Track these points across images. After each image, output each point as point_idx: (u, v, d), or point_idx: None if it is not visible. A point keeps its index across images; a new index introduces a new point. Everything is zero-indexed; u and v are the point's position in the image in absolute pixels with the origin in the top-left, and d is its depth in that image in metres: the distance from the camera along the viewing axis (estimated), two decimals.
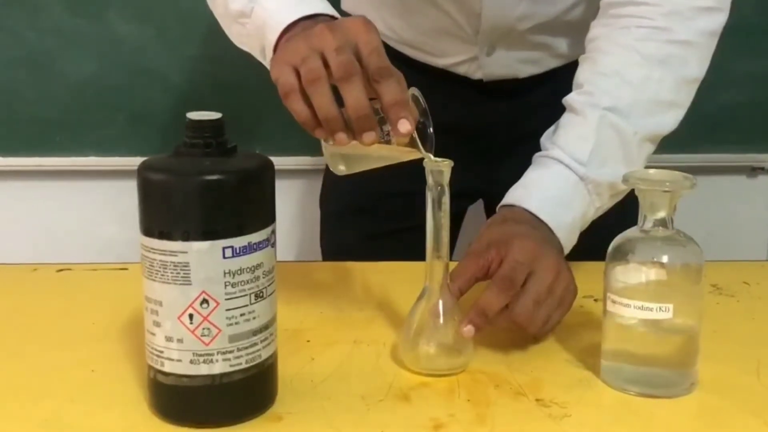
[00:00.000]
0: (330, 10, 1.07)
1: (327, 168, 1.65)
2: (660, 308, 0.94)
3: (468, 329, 1.00)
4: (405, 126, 0.95)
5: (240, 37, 1.17)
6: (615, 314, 0.97)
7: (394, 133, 0.96)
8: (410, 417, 0.93)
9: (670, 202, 0.96)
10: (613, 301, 0.97)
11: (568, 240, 1.14)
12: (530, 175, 1.18)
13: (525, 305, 1.03)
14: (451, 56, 1.43)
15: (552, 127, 1.22)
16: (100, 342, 1.10)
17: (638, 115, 1.18)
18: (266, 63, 1.09)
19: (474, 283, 1.06)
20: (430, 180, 0.99)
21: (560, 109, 1.22)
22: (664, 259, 0.96)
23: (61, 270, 1.35)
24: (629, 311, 0.96)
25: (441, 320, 1.01)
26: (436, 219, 0.99)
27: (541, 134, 1.22)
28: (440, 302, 1.01)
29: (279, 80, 0.97)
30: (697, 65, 1.22)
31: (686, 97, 1.23)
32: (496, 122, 1.47)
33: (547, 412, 0.94)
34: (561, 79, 1.30)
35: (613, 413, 0.95)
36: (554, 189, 1.16)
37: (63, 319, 1.18)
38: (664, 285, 0.95)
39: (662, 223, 0.96)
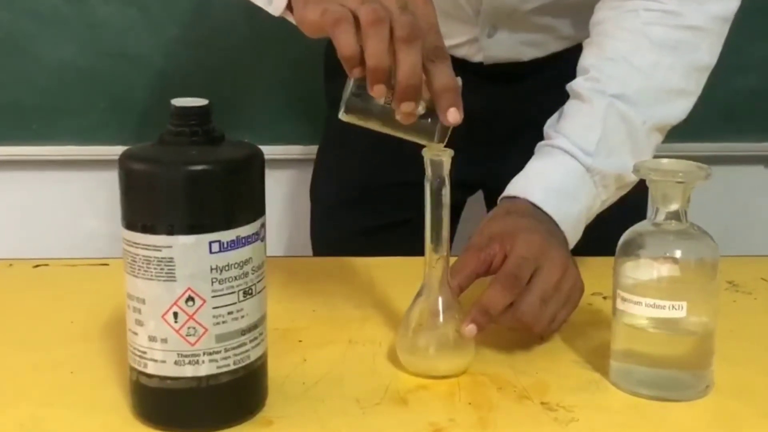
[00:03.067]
0: None
1: (318, 156, 1.65)
2: (673, 306, 0.94)
3: (470, 329, 1.00)
4: (454, 116, 0.94)
5: None
6: (625, 313, 0.97)
7: (442, 120, 0.95)
8: (408, 421, 0.93)
9: (683, 194, 0.96)
10: (623, 299, 0.97)
11: (574, 234, 1.14)
12: (534, 166, 1.18)
13: (531, 303, 1.02)
14: (450, 38, 1.42)
15: (555, 115, 1.22)
16: (79, 342, 1.10)
17: (647, 104, 1.19)
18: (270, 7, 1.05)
19: (475, 279, 1.06)
20: (429, 171, 0.98)
21: (564, 96, 1.22)
22: (677, 254, 0.96)
23: (38, 266, 1.35)
24: (640, 309, 0.96)
25: (441, 319, 1.01)
26: (435, 213, 0.99)
27: (543, 122, 1.22)
28: (440, 300, 1.01)
29: (329, 9, 0.92)
30: (708, 52, 1.22)
31: (696, 85, 1.23)
32: (497, 109, 1.47)
33: (553, 416, 0.94)
34: (565, 63, 1.31)
35: (623, 417, 0.95)
36: (559, 180, 1.16)
37: (40, 317, 1.18)
38: (677, 281, 0.95)
39: (675, 215, 0.96)
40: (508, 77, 1.45)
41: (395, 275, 1.25)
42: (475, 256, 1.07)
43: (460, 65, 1.42)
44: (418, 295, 1.02)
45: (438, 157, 0.98)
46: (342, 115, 0.99)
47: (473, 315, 1.00)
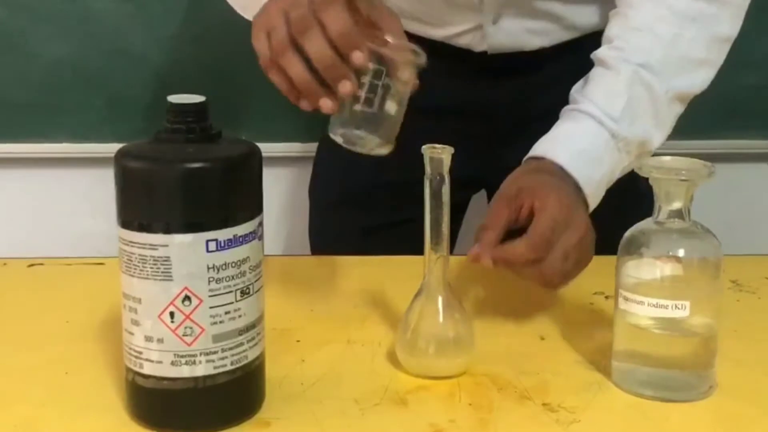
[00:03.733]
0: None
1: (317, 154, 1.64)
2: (676, 306, 0.94)
3: (476, 256, 1.06)
4: (345, 87, 0.98)
5: None
6: (627, 312, 0.97)
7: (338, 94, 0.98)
8: (407, 422, 0.93)
9: (686, 192, 0.96)
10: (626, 299, 0.97)
11: (595, 197, 1.17)
12: (560, 128, 1.22)
13: (554, 260, 1.07)
14: (454, 25, 1.42)
15: (581, 81, 1.26)
16: (74, 342, 1.10)
17: (669, 73, 1.22)
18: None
19: (507, 230, 1.09)
20: (428, 168, 0.98)
21: (569, 88, 1.23)
22: (680, 252, 0.96)
23: (33, 265, 1.35)
24: (643, 309, 0.96)
25: (440, 319, 1.01)
26: (434, 211, 0.99)
27: (549, 116, 1.23)
28: (439, 299, 1.01)
29: (257, 51, 1.01)
30: (729, 23, 1.26)
31: (718, 56, 1.27)
32: (501, 102, 1.47)
33: (554, 417, 0.94)
34: (571, 55, 1.33)
35: (625, 418, 0.95)
36: (585, 143, 1.19)
37: (34, 317, 1.18)
38: (680, 281, 0.95)
39: (678, 214, 0.96)
40: (511, 70, 1.45)
41: (394, 274, 1.25)
42: (507, 207, 1.10)
43: (463, 56, 1.42)
44: (418, 294, 1.02)
45: (438, 154, 0.98)
46: (382, 151, 1.04)
47: (494, 257, 1.05)
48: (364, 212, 1.55)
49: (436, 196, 0.99)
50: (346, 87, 0.98)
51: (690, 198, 0.96)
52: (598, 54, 1.25)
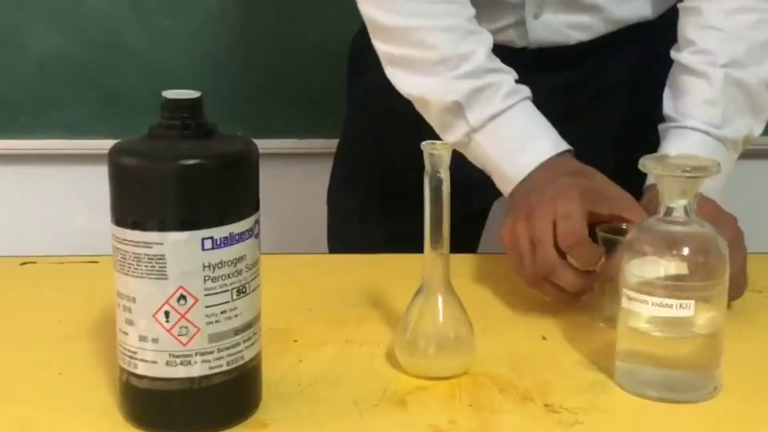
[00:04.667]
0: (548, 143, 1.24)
1: (335, 161, 1.64)
2: (680, 305, 0.94)
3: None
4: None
5: None
6: (631, 312, 0.97)
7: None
8: (407, 424, 0.93)
9: (691, 189, 0.96)
10: (629, 298, 0.97)
11: (722, 203, 1.25)
12: (670, 149, 1.27)
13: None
14: (495, 21, 1.42)
15: (668, 94, 1.32)
16: (67, 342, 1.10)
17: (757, 62, 1.29)
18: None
19: None
20: (427, 166, 0.98)
21: (609, 86, 1.27)
22: (685, 251, 0.96)
23: (25, 263, 1.35)
24: (646, 308, 0.96)
25: (440, 318, 1.01)
26: (434, 209, 0.99)
27: (583, 116, 1.27)
28: (440, 299, 1.01)
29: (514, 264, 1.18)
30: None
31: None
32: (540, 98, 1.46)
33: (556, 418, 0.94)
34: (611, 49, 1.37)
35: (629, 420, 0.95)
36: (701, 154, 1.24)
37: (27, 316, 1.18)
38: (685, 280, 0.95)
39: (683, 211, 0.96)
40: (552, 65, 1.44)
41: (393, 273, 1.25)
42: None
43: (504, 52, 1.42)
44: (417, 293, 1.02)
45: (437, 150, 0.97)
46: None
47: None
48: (384, 222, 1.54)
49: (436, 193, 0.98)
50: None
51: (695, 195, 0.96)
52: (682, 61, 1.29)
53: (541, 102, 1.46)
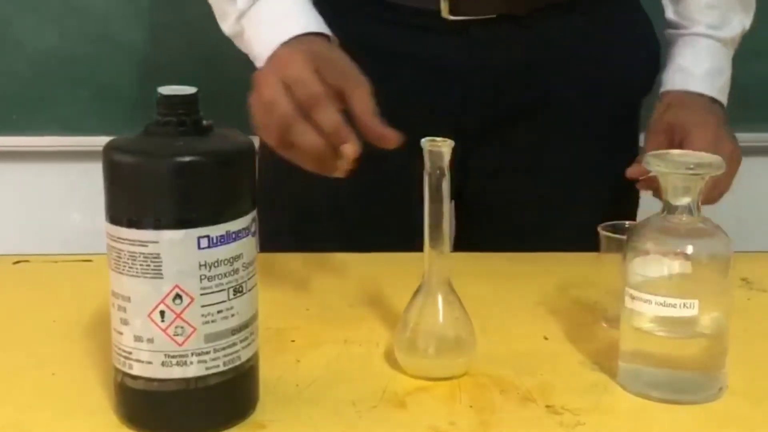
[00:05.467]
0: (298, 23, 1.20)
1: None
2: (684, 304, 0.94)
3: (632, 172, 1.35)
4: (349, 149, 1.04)
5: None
6: (634, 311, 0.97)
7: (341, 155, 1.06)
8: (406, 425, 0.93)
9: (695, 186, 0.96)
10: (632, 297, 0.97)
11: (725, 99, 1.49)
12: (681, 57, 1.49)
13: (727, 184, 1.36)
14: None
15: (667, 1, 1.52)
16: (61, 342, 1.10)
17: None
18: None
19: None
20: (427, 163, 0.98)
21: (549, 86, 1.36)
22: (689, 249, 0.95)
23: (18, 262, 1.35)
24: (650, 308, 0.96)
25: (441, 318, 1.01)
26: (434, 206, 0.99)
27: (527, 111, 1.29)
28: (440, 298, 1.01)
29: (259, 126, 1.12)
30: None
31: None
32: (473, 95, 1.44)
33: (558, 419, 0.94)
34: (544, 29, 1.39)
35: (631, 421, 0.95)
36: (708, 63, 1.48)
37: (20, 316, 1.18)
38: (689, 279, 0.95)
39: (687, 209, 0.96)
40: (484, 40, 1.40)
41: (393, 272, 1.25)
42: (666, 139, 1.39)
43: (430, 28, 1.38)
44: (417, 292, 1.02)
45: (437, 147, 0.97)
46: None
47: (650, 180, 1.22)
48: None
49: (436, 190, 0.98)
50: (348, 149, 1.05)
51: (699, 193, 0.96)
52: None
53: (474, 100, 1.43)
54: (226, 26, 1.28)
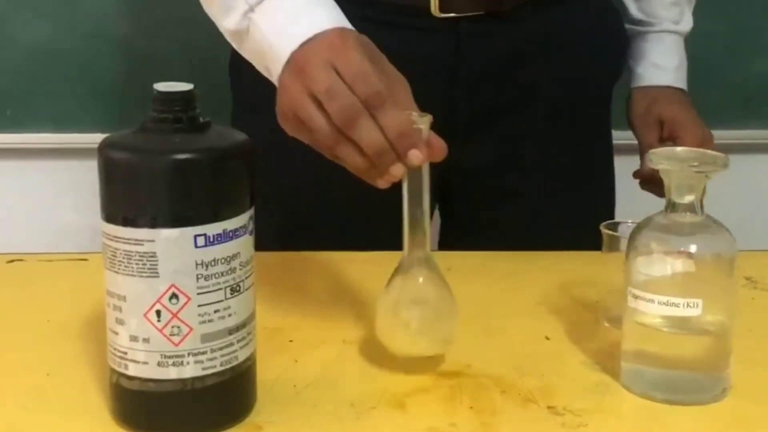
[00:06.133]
0: (325, 14, 1.08)
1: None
2: (687, 304, 0.94)
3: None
4: (415, 156, 0.97)
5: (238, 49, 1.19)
6: (637, 311, 0.97)
7: (405, 165, 0.98)
8: (406, 426, 0.93)
9: (699, 184, 0.95)
10: (635, 296, 0.97)
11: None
12: (652, 53, 1.59)
13: None
14: None
15: (631, 1, 1.61)
16: (56, 342, 1.10)
17: None
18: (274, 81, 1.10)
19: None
20: None
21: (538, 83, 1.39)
22: (693, 248, 0.95)
23: (13, 261, 1.35)
24: (653, 307, 0.96)
25: (420, 291, 1.01)
26: (413, 181, 0.98)
27: (513, 105, 1.32)
28: (418, 272, 1.01)
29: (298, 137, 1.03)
30: None
31: None
32: (461, 94, 1.44)
33: (560, 420, 0.94)
34: (529, 23, 1.40)
35: (634, 422, 0.95)
36: (677, 59, 1.60)
37: (14, 316, 1.18)
38: (692, 278, 0.95)
39: (690, 207, 0.96)
40: (475, 35, 1.40)
41: (391, 270, 1.25)
42: (657, 131, 1.53)
43: (417, 26, 1.38)
44: (397, 268, 1.02)
45: (416, 124, 0.97)
46: None
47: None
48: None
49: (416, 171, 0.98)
50: (397, 170, 0.98)
51: (703, 191, 0.96)
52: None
53: (462, 97, 1.44)
54: (230, 21, 1.16)
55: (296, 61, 1.03)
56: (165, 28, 2.17)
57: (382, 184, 1.00)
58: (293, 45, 1.04)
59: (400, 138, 0.97)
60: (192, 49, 2.17)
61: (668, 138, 1.52)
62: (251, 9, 1.12)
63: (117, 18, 2.18)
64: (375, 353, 1.06)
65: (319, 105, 0.99)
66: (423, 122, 0.98)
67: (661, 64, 1.60)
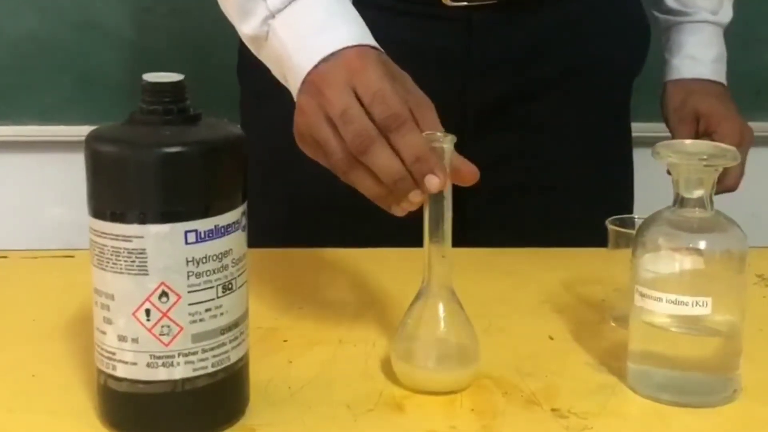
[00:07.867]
0: (348, 30, 1.08)
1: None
2: (696, 302, 0.94)
3: None
4: (433, 182, 0.96)
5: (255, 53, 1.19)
6: (644, 309, 0.97)
7: (423, 191, 0.97)
8: (404, 429, 0.93)
9: (709, 178, 0.95)
10: (642, 295, 0.97)
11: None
12: (689, 45, 1.59)
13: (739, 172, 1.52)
14: None
15: None
16: (41, 342, 1.10)
17: None
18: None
19: None
20: None
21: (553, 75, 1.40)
22: (702, 245, 0.95)
23: None
24: (661, 306, 0.96)
25: (442, 327, 1.00)
26: (435, 206, 0.97)
27: (525, 97, 1.35)
28: (440, 306, 1.00)
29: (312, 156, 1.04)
30: None
31: None
32: (473, 90, 1.45)
33: (564, 423, 0.94)
34: (543, 14, 1.41)
35: (641, 425, 0.95)
36: (715, 50, 1.59)
37: None
38: (702, 275, 0.95)
39: (699, 203, 0.96)
40: (489, 28, 1.42)
41: (390, 268, 1.25)
42: (692, 128, 1.54)
43: (432, 16, 1.39)
44: (417, 298, 1.01)
45: (438, 143, 0.97)
46: None
47: None
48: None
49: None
50: (416, 197, 0.97)
51: (712, 185, 0.96)
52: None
53: (473, 93, 1.44)
54: (248, 27, 1.14)
55: (313, 82, 1.03)
56: (155, 18, 2.17)
57: (399, 212, 0.99)
58: (312, 60, 1.05)
59: (417, 163, 0.96)
60: (182, 38, 2.17)
61: (704, 133, 1.52)
62: (272, 15, 1.12)
63: (105, 7, 2.18)
64: (372, 354, 1.07)
65: (335, 128, 0.99)
66: (446, 141, 0.97)
67: (698, 56, 1.59)
